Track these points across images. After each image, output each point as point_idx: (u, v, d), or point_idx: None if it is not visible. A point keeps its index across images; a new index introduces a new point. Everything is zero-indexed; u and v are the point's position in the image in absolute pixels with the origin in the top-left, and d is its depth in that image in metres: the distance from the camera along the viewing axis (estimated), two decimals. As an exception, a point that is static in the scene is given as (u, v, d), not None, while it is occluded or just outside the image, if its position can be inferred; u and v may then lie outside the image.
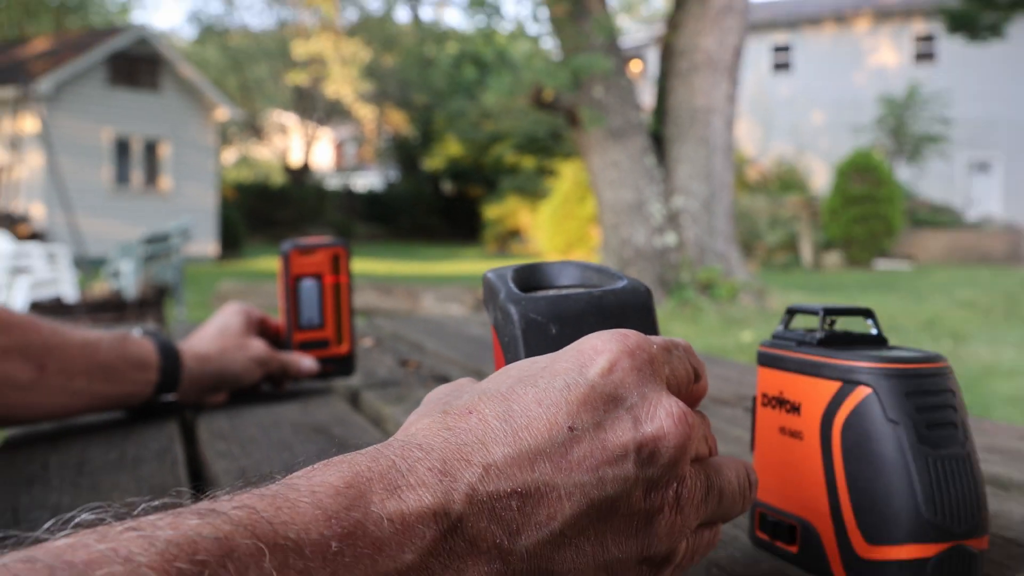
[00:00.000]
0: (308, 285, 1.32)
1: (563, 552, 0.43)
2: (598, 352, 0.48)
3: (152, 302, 7.37)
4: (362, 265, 20.80)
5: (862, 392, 0.60)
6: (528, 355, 0.56)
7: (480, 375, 1.49)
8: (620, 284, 0.61)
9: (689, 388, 0.53)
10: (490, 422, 0.44)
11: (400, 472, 0.41)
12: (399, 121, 39.78)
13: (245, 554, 0.33)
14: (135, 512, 0.35)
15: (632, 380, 0.47)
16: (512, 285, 0.60)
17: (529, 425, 0.44)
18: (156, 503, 0.36)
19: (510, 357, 0.58)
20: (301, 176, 38.69)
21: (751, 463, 0.54)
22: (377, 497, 0.39)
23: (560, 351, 0.50)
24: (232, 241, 27.22)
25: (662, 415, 0.46)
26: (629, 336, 0.49)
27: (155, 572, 0.31)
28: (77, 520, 0.34)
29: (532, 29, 16.54)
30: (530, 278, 0.64)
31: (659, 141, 12.89)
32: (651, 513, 0.45)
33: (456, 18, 62.93)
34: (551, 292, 0.60)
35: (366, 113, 40.51)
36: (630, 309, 0.59)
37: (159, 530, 0.32)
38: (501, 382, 0.48)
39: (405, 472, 0.41)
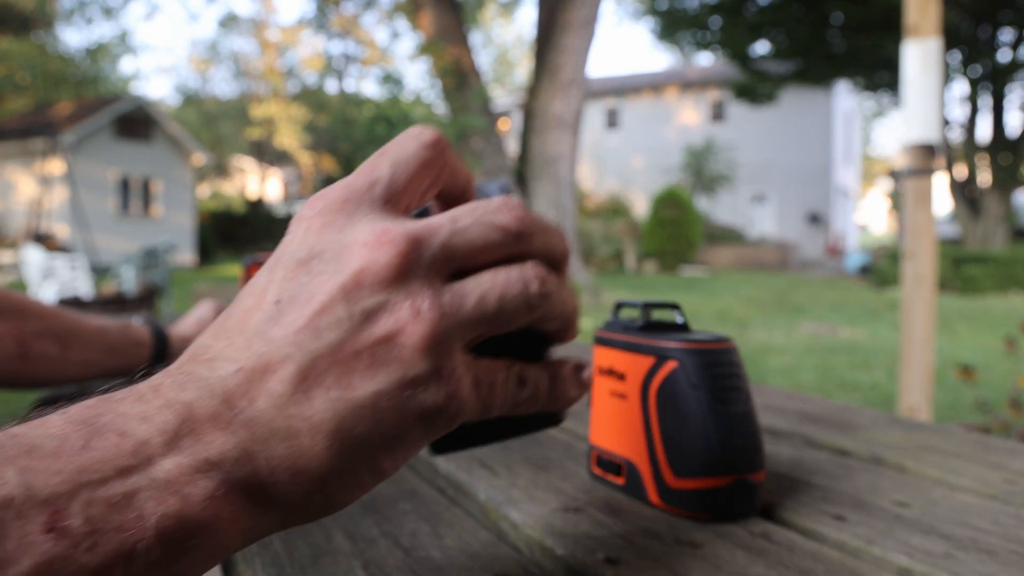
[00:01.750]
0: None
1: (308, 404, 0.32)
2: (291, 231, 0.37)
3: (147, 298, 7.65)
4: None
5: (671, 365, 0.60)
6: None
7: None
8: None
9: (455, 191, 0.42)
10: (221, 320, 0.36)
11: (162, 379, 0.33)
12: (329, 164, 39.81)
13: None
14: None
15: (326, 235, 0.36)
16: None
17: (245, 313, 0.35)
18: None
19: None
20: (257, 205, 38.54)
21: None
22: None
23: None
24: (206, 253, 27.92)
25: (359, 248, 0.35)
26: (323, 195, 0.38)
27: None
28: None
29: (427, 97, 16.67)
30: None
31: (521, 179, 12.96)
32: (389, 337, 0.34)
33: (372, 88, 62.84)
34: None
35: (305, 158, 41.26)
36: None
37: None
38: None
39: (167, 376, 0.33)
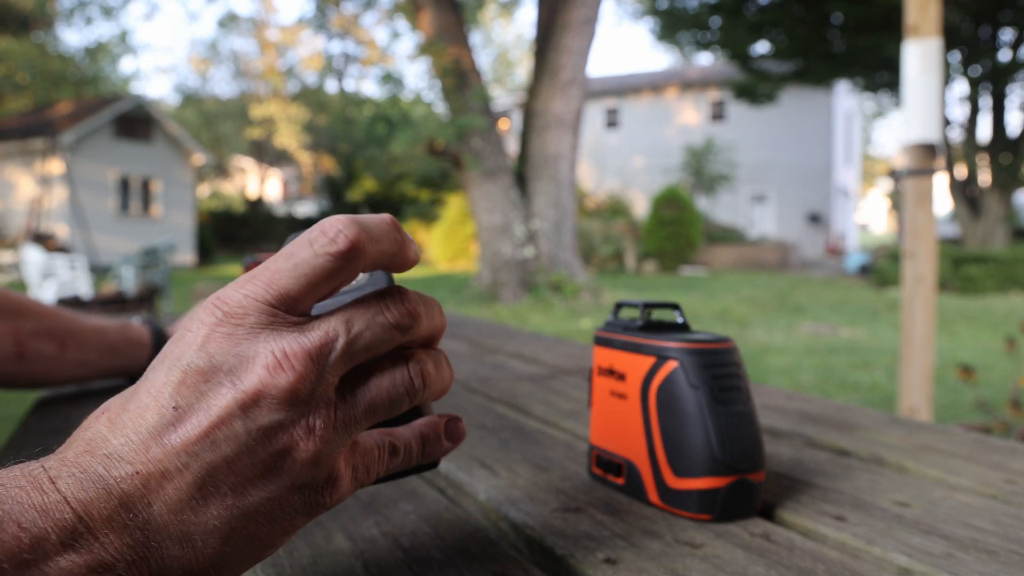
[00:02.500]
0: None
1: (203, 510, 0.35)
2: (190, 331, 0.38)
3: (146, 298, 7.63)
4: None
5: (671, 365, 0.60)
6: None
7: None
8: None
9: (390, 263, 0.41)
10: (117, 410, 0.37)
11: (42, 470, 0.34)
12: (329, 164, 39.79)
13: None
14: None
15: (225, 346, 0.37)
16: None
17: (140, 410, 0.36)
18: None
19: None
20: (256, 205, 38.59)
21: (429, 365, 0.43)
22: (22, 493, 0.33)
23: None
24: (206, 253, 27.87)
25: (258, 369, 0.36)
26: (223, 301, 0.38)
27: None
28: None
29: (427, 97, 16.65)
30: None
31: (521, 179, 12.95)
32: (282, 452, 0.36)
33: (372, 88, 62.83)
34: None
35: (305, 158, 41.29)
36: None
37: None
38: (152, 365, 0.38)
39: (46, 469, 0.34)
